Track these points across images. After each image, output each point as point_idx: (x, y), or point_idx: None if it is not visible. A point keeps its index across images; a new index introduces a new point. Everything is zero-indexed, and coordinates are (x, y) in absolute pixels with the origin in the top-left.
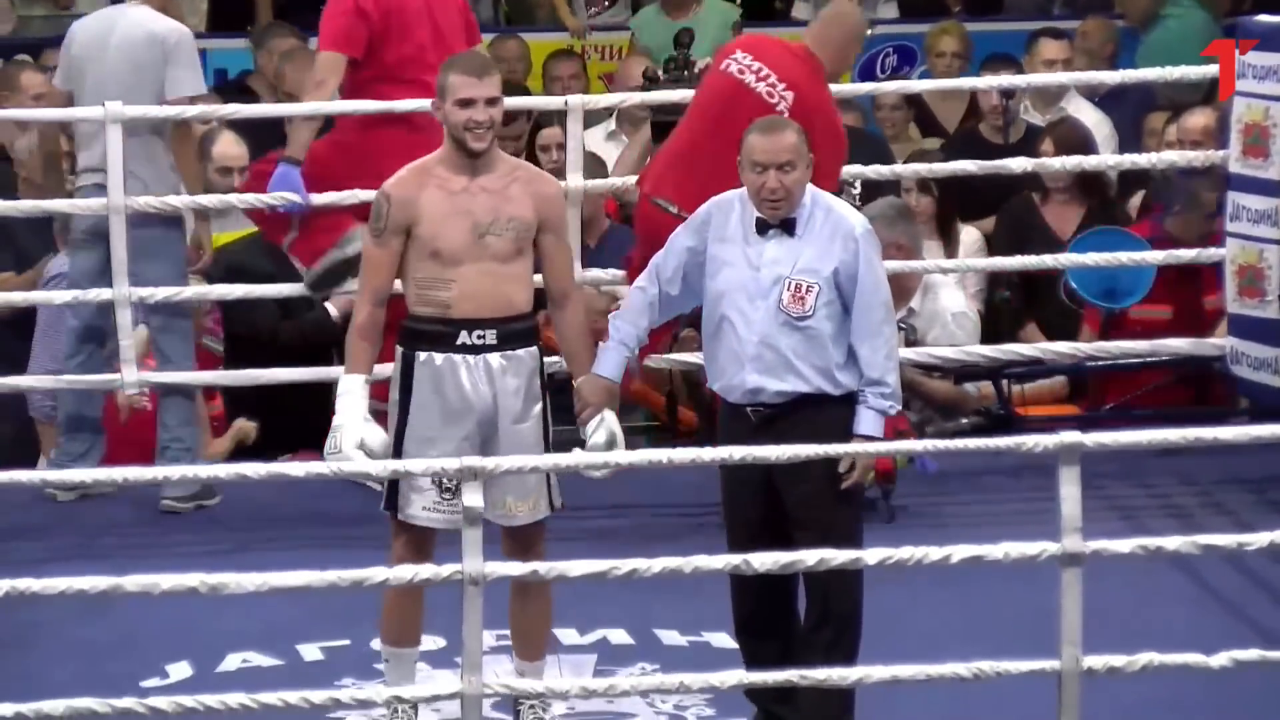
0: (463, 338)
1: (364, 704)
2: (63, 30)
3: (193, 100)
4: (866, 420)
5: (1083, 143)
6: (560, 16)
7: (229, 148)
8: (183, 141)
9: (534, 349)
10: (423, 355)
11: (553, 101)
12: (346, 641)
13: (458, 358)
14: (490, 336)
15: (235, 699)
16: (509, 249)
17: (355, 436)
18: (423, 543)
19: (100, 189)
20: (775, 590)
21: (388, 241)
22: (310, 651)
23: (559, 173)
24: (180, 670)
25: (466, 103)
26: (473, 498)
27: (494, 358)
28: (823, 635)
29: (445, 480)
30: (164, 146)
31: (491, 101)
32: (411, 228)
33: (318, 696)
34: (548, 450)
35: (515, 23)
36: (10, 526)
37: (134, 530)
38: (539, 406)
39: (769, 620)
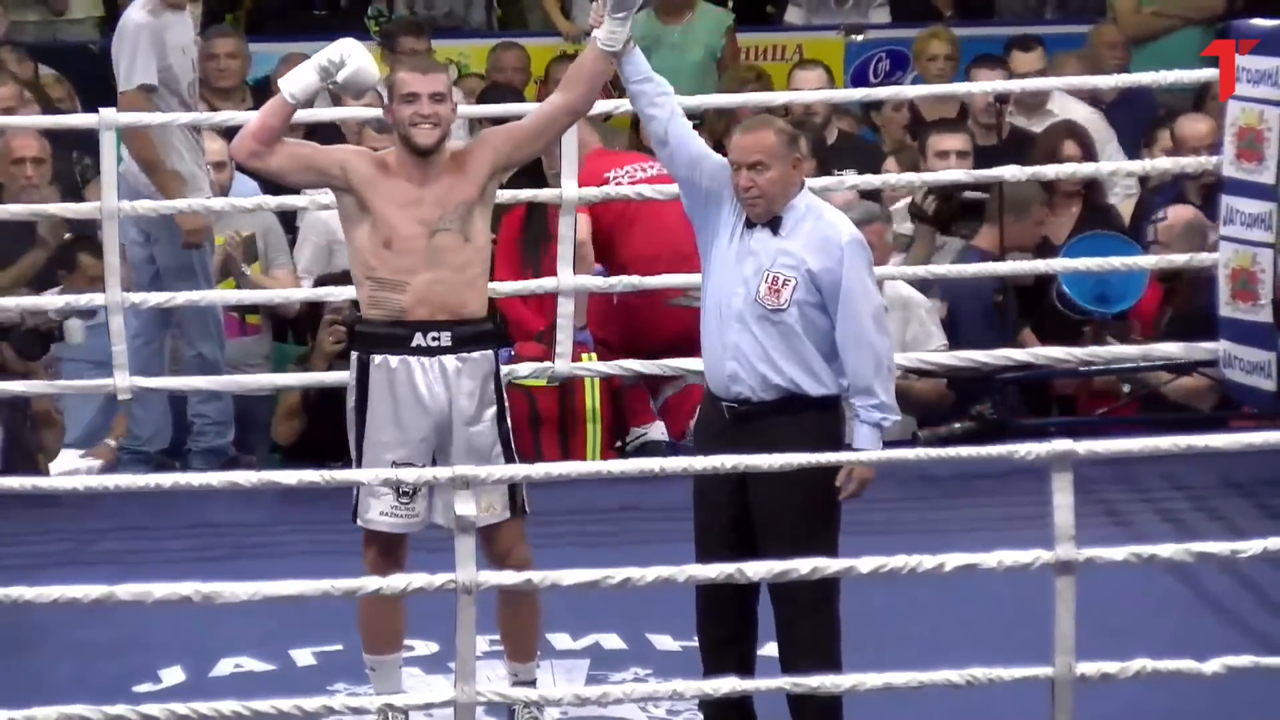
0: (417, 340)
1: (357, 711)
2: (56, 36)
3: (146, 90)
4: (862, 435)
5: (1089, 145)
6: (553, 21)
7: (212, 143)
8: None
9: (489, 352)
10: (378, 358)
11: None
12: (339, 646)
13: (413, 360)
14: (445, 338)
15: (229, 706)
16: (458, 242)
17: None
18: (392, 549)
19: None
20: (739, 599)
21: (328, 153)
22: (303, 657)
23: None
24: (173, 675)
25: (411, 97)
26: (465, 507)
27: (449, 360)
28: (802, 648)
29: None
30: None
31: (437, 97)
32: (350, 183)
33: (310, 704)
34: (506, 454)
35: (508, 27)
36: (10, 530)
37: (132, 532)
38: (494, 409)
39: (732, 630)
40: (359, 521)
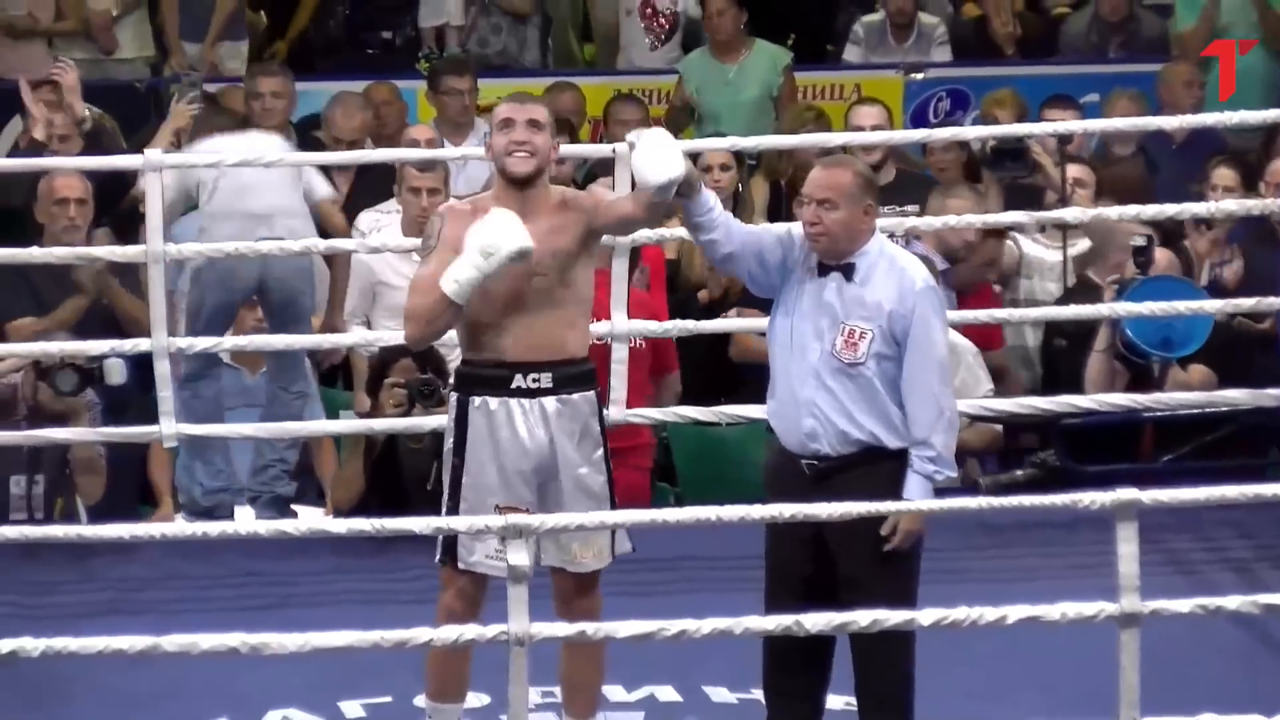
0: (517, 381)
1: None
2: (105, 75)
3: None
4: (912, 486)
5: (1137, 186)
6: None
7: None
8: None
9: (590, 394)
10: (477, 400)
11: (601, 150)
12: (389, 698)
13: (512, 402)
14: (545, 380)
15: None
16: (555, 284)
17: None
18: (475, 592)
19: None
20: (812, 652)
21: (440, 257)
22: (352, 709)
23: None
24: None
25: (507, 124)
26: (518, 556)
27: (549, 401)
28: (875, 700)
29: None
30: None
31: (533, 125)
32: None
33: None
34: (612, 495)
35: (559, 67)
36: (51, 579)
37: (176, 582)
38: (600, 451)
39: (802, 683)
40: (460, 565)
